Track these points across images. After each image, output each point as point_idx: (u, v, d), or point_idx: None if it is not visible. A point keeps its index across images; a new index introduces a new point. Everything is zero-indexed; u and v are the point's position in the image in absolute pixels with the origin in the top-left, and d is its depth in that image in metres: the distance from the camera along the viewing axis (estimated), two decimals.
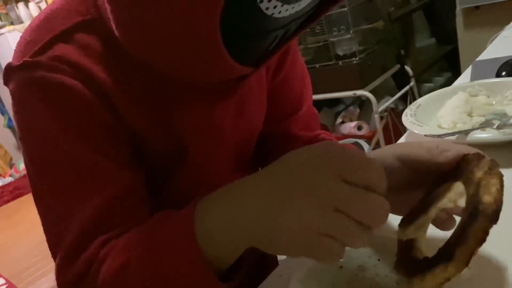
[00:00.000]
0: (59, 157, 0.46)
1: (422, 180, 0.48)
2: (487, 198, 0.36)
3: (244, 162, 0.68)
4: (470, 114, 0.83)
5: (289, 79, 0.69)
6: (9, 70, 0.47)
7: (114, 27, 0.43)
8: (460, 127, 0.78)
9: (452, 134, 0.71)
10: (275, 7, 0.39)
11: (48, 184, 0.47)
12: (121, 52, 0.45)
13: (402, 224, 0.45)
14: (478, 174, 0.40)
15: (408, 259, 0.42)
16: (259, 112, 0.66)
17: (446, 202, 0.41)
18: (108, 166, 0.48)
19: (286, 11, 0.40)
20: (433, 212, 0.41)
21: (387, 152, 0.51)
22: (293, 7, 0.41)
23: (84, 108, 0.46)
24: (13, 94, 0.47)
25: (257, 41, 0.46)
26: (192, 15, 0.37)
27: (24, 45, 0.47)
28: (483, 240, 0.35)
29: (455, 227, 0.38)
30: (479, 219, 0.35)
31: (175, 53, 0.41)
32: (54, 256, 0.49)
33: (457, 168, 0.44)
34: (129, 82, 0.48)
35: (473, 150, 0.45)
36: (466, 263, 0.35)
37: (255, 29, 0.43)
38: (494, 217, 0.35)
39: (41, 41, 0.46)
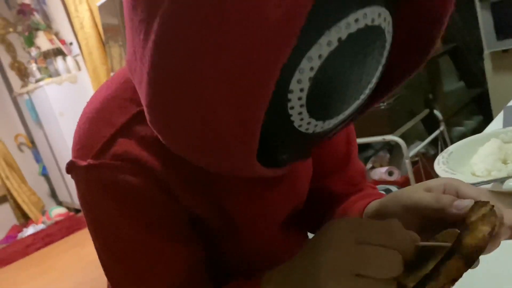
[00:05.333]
0: (131, 248, 0.50)
1: (431, 223, 0.48)
2: (468, 241, 0.37)
3: (293, 224, 0.66)
4: (504, 162, 0.81)
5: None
6: (73, 168, 0.49)
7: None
8: (495, 174, 0.76)
9: (488, 182, 0.70)
10: (308, 123, 0.38)
11: (124, 270, 0.51)
12: None
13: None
14: (472, 218, 0.40)
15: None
16: (307, 178, 0.64)
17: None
18: (174, 251, 0.51)
19: (323, 127, 0.39)
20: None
21: (394, 203, 0.51)
22: (330, 122, 0.39)
23: (150, 202, 0.49)
24: (82, 191, 0.50)
25: (296, 150, 0.45)
26: (229, 145, 0.36)
27: (85, 139, 0.48)
28: (455, 279, 0.36)
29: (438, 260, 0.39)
30: (453, 258, 0.37)
31: (210, 163, 0.41)
32: None
33: None
34: (180, 169, 0.49)
35: (488, 198, 0.44)
36: None
37: (293, 143, 0.43)
38: (469, 261, 0.36)
39: (102, 137, 0.47)
